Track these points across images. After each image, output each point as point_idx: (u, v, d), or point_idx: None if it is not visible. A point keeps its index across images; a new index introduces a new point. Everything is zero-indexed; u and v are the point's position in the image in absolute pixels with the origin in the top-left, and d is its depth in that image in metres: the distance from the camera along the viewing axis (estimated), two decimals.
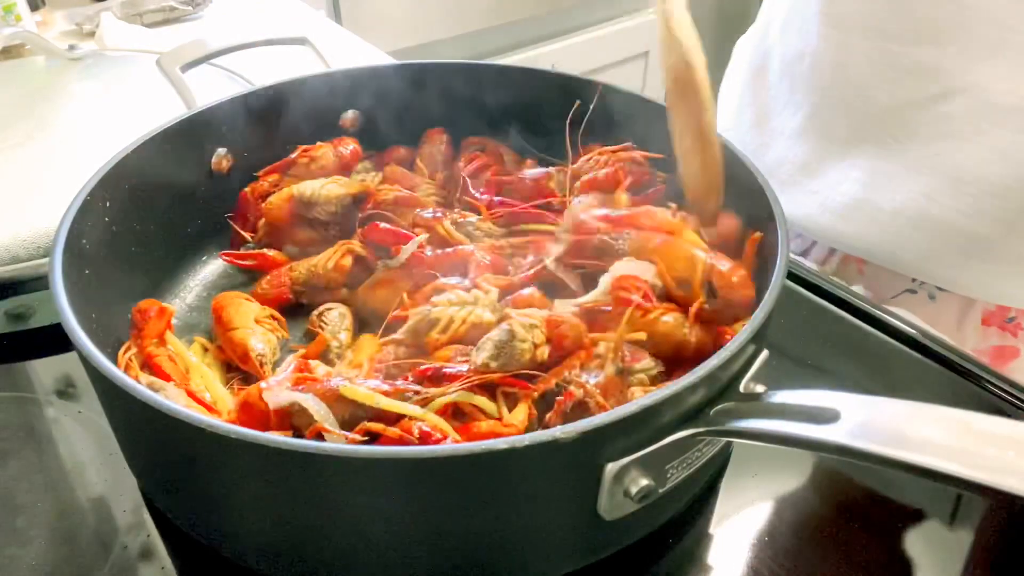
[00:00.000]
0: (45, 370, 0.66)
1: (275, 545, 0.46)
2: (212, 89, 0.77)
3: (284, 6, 1.31)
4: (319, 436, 0.48)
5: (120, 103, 0.84)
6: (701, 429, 0.44)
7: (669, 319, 0.57)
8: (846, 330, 0.70)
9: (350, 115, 0.79)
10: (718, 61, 1.01)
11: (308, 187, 0.71)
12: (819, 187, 0.82)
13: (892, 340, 0.68)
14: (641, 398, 0.41)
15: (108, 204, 0.60)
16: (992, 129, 0.71)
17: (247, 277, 0.72)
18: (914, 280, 0.82)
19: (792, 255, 0.78)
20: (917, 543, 0.53)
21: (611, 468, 0.42)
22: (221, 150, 0.72)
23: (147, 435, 0.47)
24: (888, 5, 0.74)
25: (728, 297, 0.57)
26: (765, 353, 0.49)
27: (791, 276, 0.74)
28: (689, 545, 0.52)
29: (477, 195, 0.72)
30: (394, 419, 0.49)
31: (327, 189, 0.71)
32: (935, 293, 0.82)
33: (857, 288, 0.79)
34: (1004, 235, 0.74)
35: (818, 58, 0.81)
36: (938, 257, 0.78)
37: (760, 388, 0.48)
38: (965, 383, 0.64)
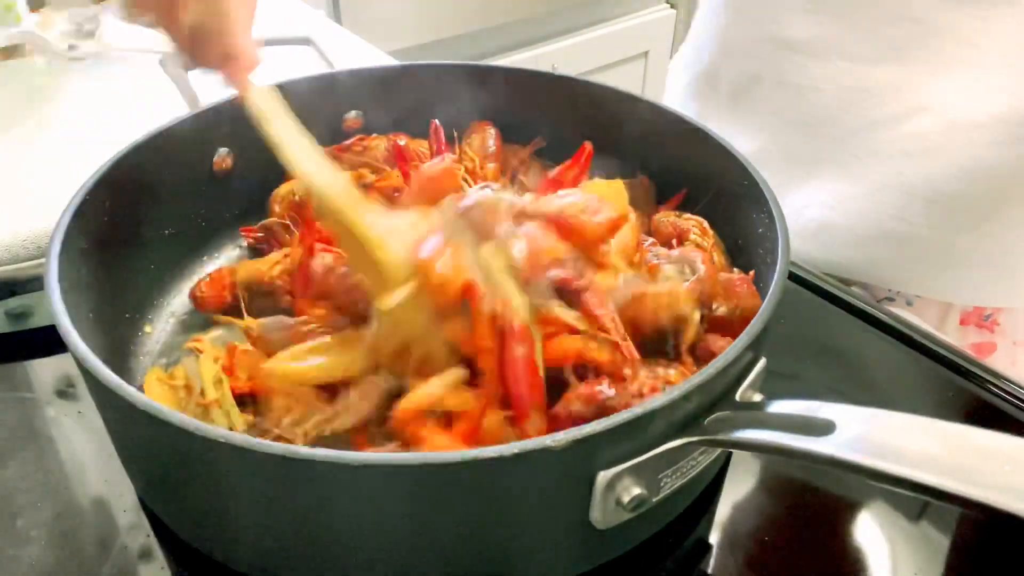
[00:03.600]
0: (45, 370, 0.66)
1: (270, 552, 0.46)
2: (214, 89, 0.77)
3: (284, 6, 1.31)
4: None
5: (120, 103, 0.84)
6: (695, 439, 0.43)
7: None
8: (844, 330, 0.70)
9: (352, 115, 0.79)
10: None
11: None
12: (785, 212, 0.82)
13: (890, 339, 0.68)
14: (634, 407, 0.41)
15: (107, 204, 0.60)
16: (956, 145, 0.71)
17: None
18: (890, 289, 0.83)
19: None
20: (918, 543, 0.54)
21: (603, 476, 0.42)
22: (223, 150, 0.72)
23: (143, 440, 0.47)
24: (847, 26, 0.73)
25: None
26: (763, 361, 0.49)
27: (790, 276, 0.74)
28: (685, 552, 0.52)
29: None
30: (360, 430, 0.50)
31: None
32: (913, 299, 0.82)
33: (855, 289, 0.79)
34: (976, 242, 0.75)
35: (777, 81, 0.80)
36: (912, 270, 0.78)
37: (757, 397, 0.48)
38: (965, 383, 0.64)
